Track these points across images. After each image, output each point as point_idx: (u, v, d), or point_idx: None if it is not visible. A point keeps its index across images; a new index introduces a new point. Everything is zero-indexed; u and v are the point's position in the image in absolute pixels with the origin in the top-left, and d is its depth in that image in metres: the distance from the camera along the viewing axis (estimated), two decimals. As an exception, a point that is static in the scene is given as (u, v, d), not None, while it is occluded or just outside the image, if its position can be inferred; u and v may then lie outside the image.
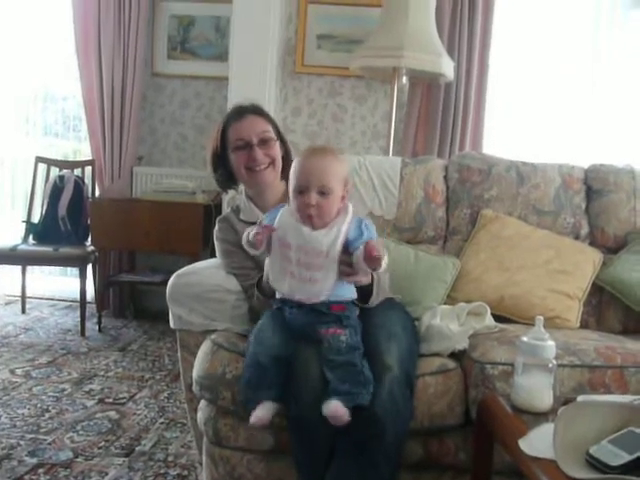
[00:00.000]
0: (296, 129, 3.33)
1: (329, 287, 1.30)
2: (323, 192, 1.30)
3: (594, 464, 0.92)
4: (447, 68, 2.70)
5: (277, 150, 1.63)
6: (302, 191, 1.31)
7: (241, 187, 1.74)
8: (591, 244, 2.03)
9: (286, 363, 1.30)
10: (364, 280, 1.37)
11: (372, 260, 1.24)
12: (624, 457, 0.91)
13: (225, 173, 1.69)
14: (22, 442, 1.92)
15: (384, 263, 1.26)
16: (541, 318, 1.20)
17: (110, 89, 3.43)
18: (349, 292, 1.37)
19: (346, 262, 1.31)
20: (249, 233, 1.33)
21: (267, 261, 1.40)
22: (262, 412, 1.27)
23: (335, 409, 1.21)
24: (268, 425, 1.30)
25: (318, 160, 1.33)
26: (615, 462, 0.90)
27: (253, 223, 1.62)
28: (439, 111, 3.07)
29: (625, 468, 0.90)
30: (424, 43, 2.64)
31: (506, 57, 3.17)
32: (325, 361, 1.28)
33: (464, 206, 2.08)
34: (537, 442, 1.02)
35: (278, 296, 1.38)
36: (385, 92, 3.23)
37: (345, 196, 1.36)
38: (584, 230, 2.05)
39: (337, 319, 1.32)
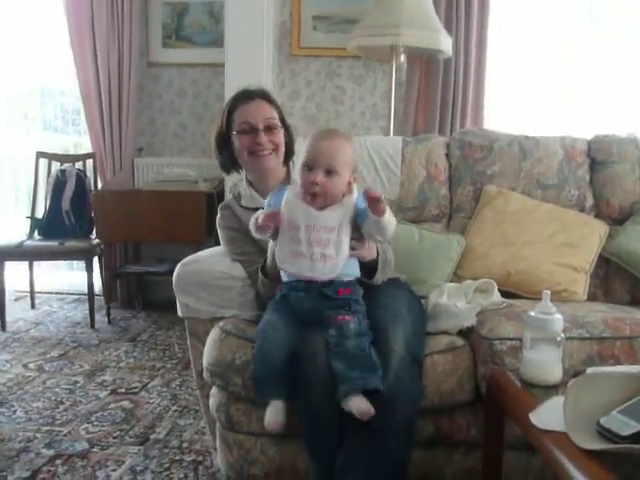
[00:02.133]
0: (295, 113, 3.31)
1: (342, 262, 1.31)
2: (330, 172, 1.31)
3: (605, 434, 0.93)
4: (445, 44, 2.67)
5: (281, 137, 1.62)
6: (310, 168, 1.32)
7: (242, 174, 1.74)
8: (596, 216, 2.02)
9: (294, 354, 1.30)
10: (369, 255, 1.38)
11: (374, 202, 1.25)
12: (634, 426, 0.91)
13: (228, 155, 1.68)
14: (38, 434, 1.94)
15: (389, 215, 1.28)
16: (548, 292, 1.20)
17: (107, 81, 3.41)
18: (354, 269, 1.37)
19: (353, 237, 1.33)
20: (257, 218, 1.33)
21: (271, 244, 1.39)
22: (274, 415, 1.27)
23: (358, 405, 1.20)
24: (282, 426, 1.28)
25: (330, 141, 1.34)
26: (626, 432, 0.90)
27: (254, 209, 1.61)
28: (438, 88, 3.04)
29: (636, 437, 0.90)
30: (421, 20, 2.60)
31: (504, 30, 3.13)
32: (332, 348, 1.28)
33: (467, 183, 2.07)
34: (547, 415, 1.03)
35: (285, 279, 1.37)
36: (383, 71, 3.20)
37: (352, 182, 1.36)
38: (589, 202, 2.04)
39: (345, 303, 1.33)
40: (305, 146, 1.35)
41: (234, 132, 1.62)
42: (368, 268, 1.41)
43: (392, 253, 1.57)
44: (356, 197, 1.35)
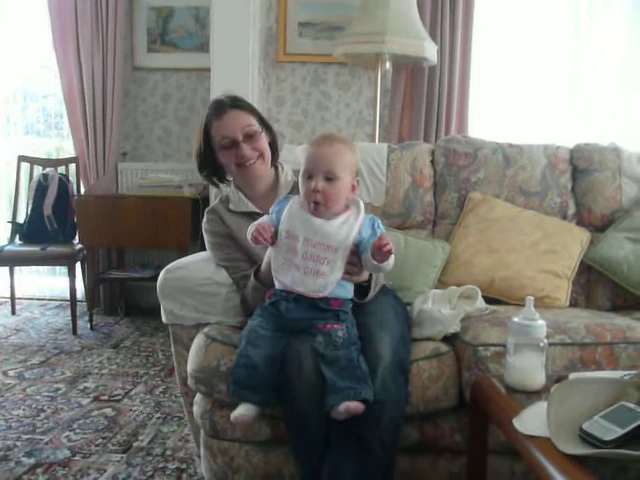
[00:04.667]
0: (281, 119, 3.31)
1: (334, 282, 1.30)
2: (329, 178, 1.30)
3: (588, 440, 0.94)
4: (430, 52, 2.69)
5: (264, 142, 1.61)
6: (310, 176, 1.32)
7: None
8: (578, 223, 2.05)
9: (278, 361, 1.30)
10: (361, 278, 1.39)
11: (382, 253, 1.24)
12: (617, 431, 0.92)
13: (213, 171, 1.67)
14: (19, 443, 1.91)
15: (391, 259, 1.28)
16: (531, 298, 1.21)
17: (91, 85, 3.39)
18: (347, 292, 1.37)
19: (351, 261, 1.32)
20: (252, 227, 1.33)
21: (270, 251, 1.39)
22: (243, 412, 1.28)
23: (347, 409, 1.21)
24: (249, 423, 1.33)
25: (327, 147, 1.33)
26: (608, 437, 0.92)
27: (242, 213, 1.62)
28: (423, 95, 3.06)
29: (618, 442, 0.91)
30: (406, 27, 2.63)
31: (489, 39, 3.17)
32: (320, 356, 1.28)
33: (452, 190, 2.08)
34: (531, 421, 1.04)
35: (278, 287, 1.36)
36: (369, 78, 3.22)
37: (356, 187, 1.36)
38: (571, 210, 2.07)
39: (334, 315, 1.33)
40: (304, 156, 1.35)
41: (217, 150, 1.59)
42: (359, 288, 1.41)
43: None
44: (361, 220, 1.33)
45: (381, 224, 1.37)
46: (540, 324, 1.19)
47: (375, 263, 1.28)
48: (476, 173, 2.07)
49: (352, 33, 2.71)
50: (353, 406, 1.21)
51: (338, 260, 1.30)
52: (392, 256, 1.28)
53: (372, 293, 1.44)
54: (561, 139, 2.29)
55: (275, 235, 1.35)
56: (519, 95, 3.19)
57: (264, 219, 1.37)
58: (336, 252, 1.30)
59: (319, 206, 1.31)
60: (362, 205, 1.37)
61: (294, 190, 1.57)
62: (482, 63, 3.16)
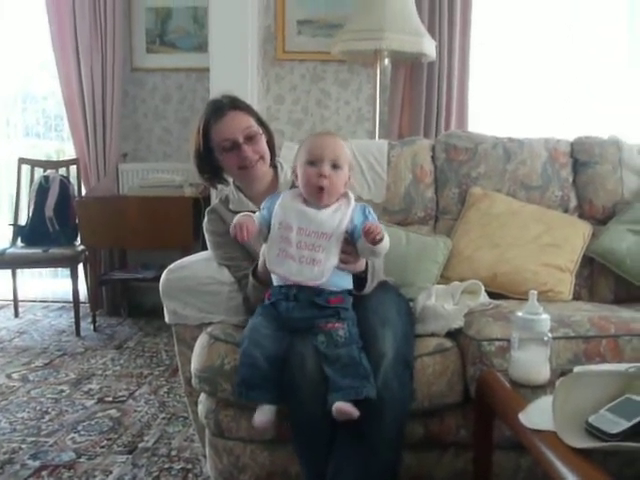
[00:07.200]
0: (280, 117, 3.31)
1: (330, 269, 1.30)
2: (335, 166, 1.33)
3: (594, 433, 0.93)
4: (429, 47, 2.68)
5: (263, 143, 1.60)
6: (314, 162, 1.33)
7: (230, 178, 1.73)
8: (580, 216, 2.04)
9: (282, 360, 1.30)
10: (358, 268, 1.38)
11: (371, 235, 1.25)
12: (623, 424, 0.92)
13: (212, 172, 1.66)
14: (24, 445, 1.91)
15: (385, 242, 1.28)
16: (535, 292, 1.21)
17: (90, 86, 3.39)
18: (346, 281, 1.37)
19: (345, 250, 1.33)
20: (235, 221, 1.31)
21: (264, 247, 1.39)
22: (262, 416, 1.28)
23: (342, 409, 1.20)
24: (271, 427, 1.31)
25: (330, 138, 1.38)
26: (614, 430, 0.91)
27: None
28: (423, 91, 3.06)
29: (624, 435, 0.91)
30: (404, 23, 2.62)
31: (487, 34, 3.16)
32: (322, 356, 1.27)
33: (453, 185, 2.08)
34: (536, 415, 1.03)
35: (275, 283, 1.36)
36: (368, 75, 3.21)
37: (347, 182, 1.38)
38: (572, 203, 2.06)
39: (335, 312, 1.32)
40: (305, 147, 1.36)
41: (217, 152, 1.59)
42: (357, 279, 1.41)
43: (381, 259, 1.56)
44: (353, 208, 1.35)
45: (372, 211, 1.38)
46: (544, 318, 1.19)
47: (370, 246, 1.28)
48: (477, 168, 2.07)
49: (350, 30, 2.70)
50: (345, 408, 1.20)
51: (333, 247, 1.31)
52: (386, 238, 1.29)
53: (370, 284, 1.43)
54: (561, 133, 2.28)
55: (267, 230, 1.35)
56: (519, 89, 3.19)
57: (253, 216, 1.35)
58: (330, 239, 1.30)
59: (323, 192, 1.32)
60: (352, 196, 1.39)
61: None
62: (481, 58, 3.16)
